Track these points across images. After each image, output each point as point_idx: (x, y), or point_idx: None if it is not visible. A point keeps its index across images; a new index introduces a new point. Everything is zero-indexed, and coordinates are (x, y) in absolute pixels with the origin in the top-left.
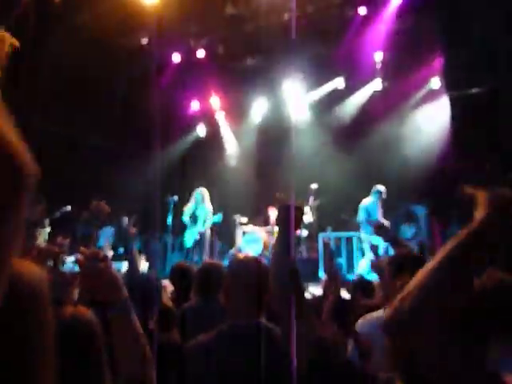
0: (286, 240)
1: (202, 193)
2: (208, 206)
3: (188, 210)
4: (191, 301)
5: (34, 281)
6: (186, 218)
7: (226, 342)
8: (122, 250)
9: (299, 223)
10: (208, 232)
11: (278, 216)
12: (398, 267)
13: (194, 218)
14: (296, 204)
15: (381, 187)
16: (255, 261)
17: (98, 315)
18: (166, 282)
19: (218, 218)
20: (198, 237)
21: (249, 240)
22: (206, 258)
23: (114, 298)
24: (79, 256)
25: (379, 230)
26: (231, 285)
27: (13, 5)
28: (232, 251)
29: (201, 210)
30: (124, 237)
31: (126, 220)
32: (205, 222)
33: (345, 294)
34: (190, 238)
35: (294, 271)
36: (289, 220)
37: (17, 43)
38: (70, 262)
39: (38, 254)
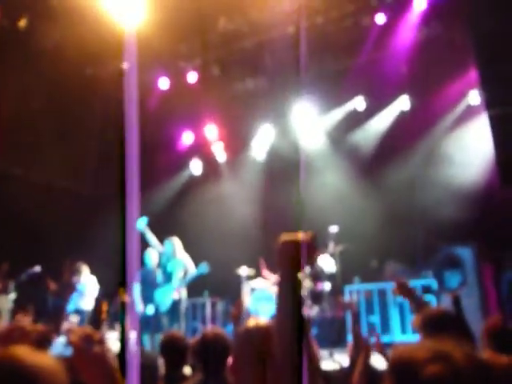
0: (291, 289)
1: (172, 243)
2: (182, 256)
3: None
4: (190, 380)
5: (46, 371)
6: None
7: None
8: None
9: (312, 261)
10: (184, 291)
11: (280, 257)
12: (429, 328)
13: (166, 275)
14: (306, 237)
15: None
16: (268, 328)
17: None
18: None
19: (203, 268)
20: (175, 297)
21: (259, 298)
22: (183, 323)
23: None
24: (72, 337)
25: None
26: (239, 359)
27: None
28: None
29: (173, 264)
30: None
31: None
32: (186, 275)
33: (380, 362)
34: (164, 301)
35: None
36: (296, 260)
37: None
38: (59, 344)
39: (21, 335)
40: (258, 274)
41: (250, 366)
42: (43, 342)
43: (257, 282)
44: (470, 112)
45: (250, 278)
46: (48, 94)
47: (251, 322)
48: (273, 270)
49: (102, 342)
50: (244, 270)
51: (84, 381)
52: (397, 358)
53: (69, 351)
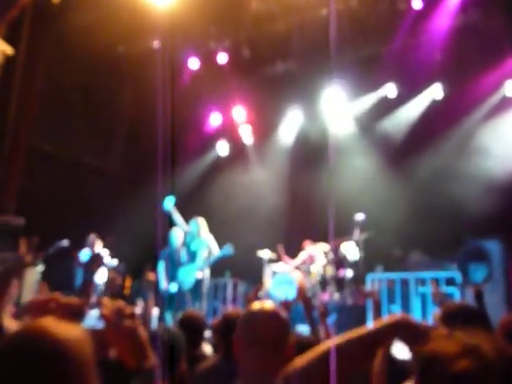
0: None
1: (197, 223)
2: (206, 236)
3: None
4: (210, 360)
5: (74, 343)
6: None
7: None
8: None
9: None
10: (207, 271)
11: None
12: (450, 321)
13: (190, 254)
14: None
15: None
16: (273, 313)
17: (111, 379)
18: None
19: (228, 250)
20: (199, 276)
21: (280, 281)
22: (204, 303)
23: (139, 364)
24: (104, 310)
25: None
26: (242, 341)
27: (7, 7)
28: (259, 295)
29: (197, 243)
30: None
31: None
32: (210, 256)
33: (400, 352)
34: (187, 279)
35: None
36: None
37: (10, 51)
38: (92, 317)
39: (55, 307)
40: (280, 258)
41: (251, 349)
42: (77, 315)
43: (278, 266)
44: (505, 102)
45: (271, 261)
46: (79, 72)
47: (256, 305)
48: (291, 255)
49: (133, 316)
50: (265, 253)
51: (110, 356)
52: (424, 352)
53: (101, 324)
